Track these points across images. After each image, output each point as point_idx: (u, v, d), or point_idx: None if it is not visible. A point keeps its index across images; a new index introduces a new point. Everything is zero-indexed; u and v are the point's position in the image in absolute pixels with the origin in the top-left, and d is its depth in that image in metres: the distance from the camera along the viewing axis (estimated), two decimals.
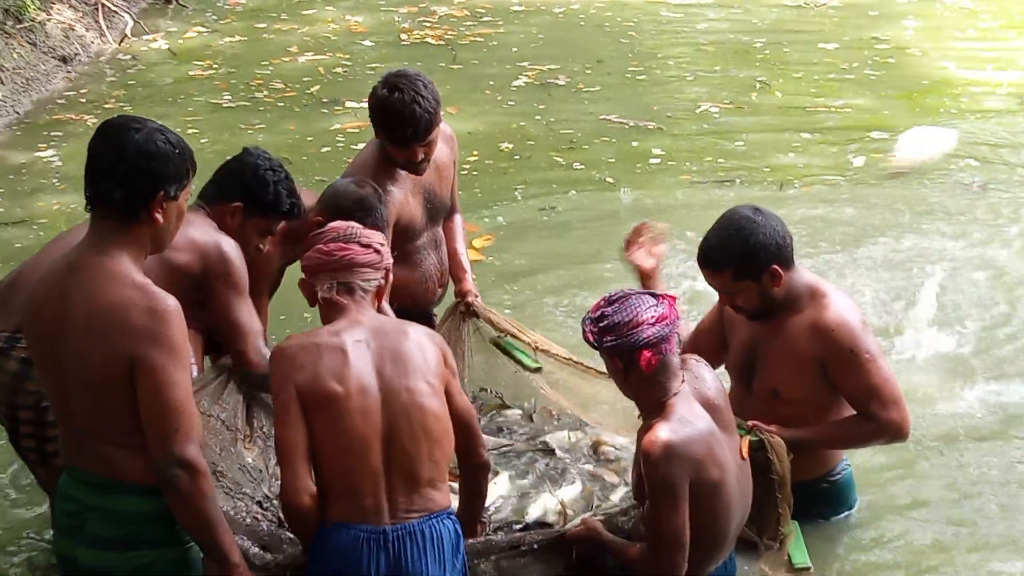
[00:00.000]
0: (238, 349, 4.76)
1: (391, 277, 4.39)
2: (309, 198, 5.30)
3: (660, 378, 4.32)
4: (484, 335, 5.73)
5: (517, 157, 9.50)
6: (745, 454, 4.49)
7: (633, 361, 4.30)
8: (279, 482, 4.25)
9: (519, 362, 5.64)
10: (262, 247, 5.00)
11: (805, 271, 4.91)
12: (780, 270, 4.73)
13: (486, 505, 4.71)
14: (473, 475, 4.41)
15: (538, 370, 5.60)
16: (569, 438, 5.41)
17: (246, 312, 4.74)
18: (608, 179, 9.12)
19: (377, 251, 4.30)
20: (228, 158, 5.01)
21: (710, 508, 4.30)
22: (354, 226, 4.36)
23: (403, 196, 5.36)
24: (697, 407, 4.35)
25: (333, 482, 4.10)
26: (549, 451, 5.34)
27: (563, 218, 8.48)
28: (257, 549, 4.38)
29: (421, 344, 4.23)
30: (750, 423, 4.69)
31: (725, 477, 4.32)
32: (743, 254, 4.70)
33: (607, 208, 8.60)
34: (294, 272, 4.62)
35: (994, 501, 5.41)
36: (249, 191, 4.85)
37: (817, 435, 4.85)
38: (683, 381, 4.37)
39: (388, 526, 4.08)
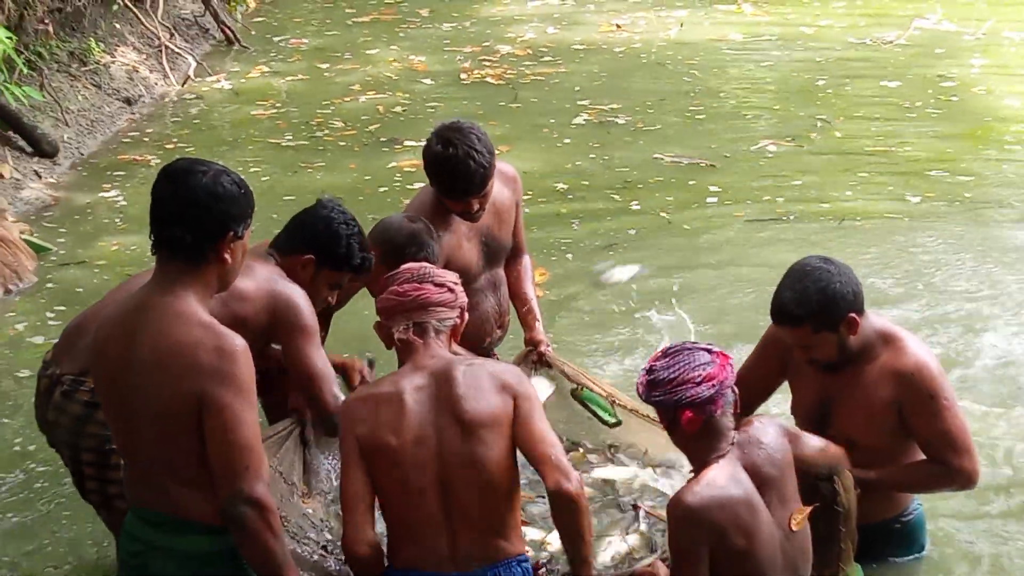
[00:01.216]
0: (315, 395, 4.74)
1: (467, 315, 4.38)
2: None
3: (704, 437, 4.27)
4: (557, 385, 5.65)
5: (571, 197, 9.49)
6: (796, 526, 4.36)
7: (676, 419, 4.27)
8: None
9: (599, 417, 5.57)
10: (331, 300, 5.02)
11: (875, 316, 4.85)
12: (857, 318, 4.69)
13: (551, 551, 4.68)
14: (559, 512, 4.12)
15: (617, 424, 5.55)
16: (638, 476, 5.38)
17: (320, 359, 4.74)
18: (664, 215, 9.14)
19: (451, 290, 4.30)
20: (303, 209, 5.02)
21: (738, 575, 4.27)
22: (427, 266, 4.37)
23: (457, 240, 5.37)
24: (739, 472, 4.27)
25: (397, 529, 4.14)
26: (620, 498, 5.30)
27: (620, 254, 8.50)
28: None
29: (476, 384, 4.16)
30: None
31: (755, 549, 4.21)
32: (821, 305, 4.63)
33: (662, 244, 8.65)
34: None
35: None
36: (322, 244, 4.86)
37: (887, 476, 4.80)
38: (733, 443, 4.30)
39: (452, 573, 4.08)
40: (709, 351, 4.32)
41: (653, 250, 8.55)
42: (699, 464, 4.30)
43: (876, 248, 8.43)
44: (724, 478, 4.24)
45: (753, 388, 4.85)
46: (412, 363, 4.23)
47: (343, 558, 4.46)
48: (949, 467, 4.73)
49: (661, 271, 8.18)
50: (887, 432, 4.77)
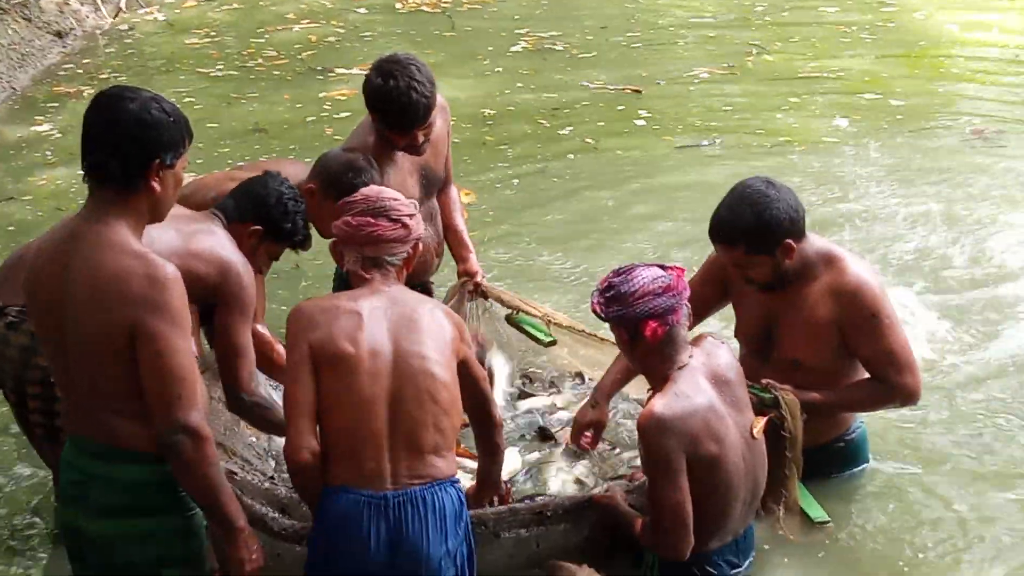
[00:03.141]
0: (231, 369, 4.64)
1: (420, 247, 4.36)
2: (298, 170, 5.32)
3: (666, 350, 4.33)
4: (493, 315, 5.71)
5: (498, 124, 9.46)
6: (757, 433, 4.45)
7: (638, 332, 4.31)
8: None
9: (534, 338, 5.64)
10: (264, 270, 5.03)
11: (817, 238, 4.86)
12: (793, 243, 4.68)
13: (505, 479, 4.71)
14: (488, 434, 4.42)
15: (552, 343, 5.61)
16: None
17: (247, 337, 4.67)
18: (589, 140, 9.16)
19: (405, 226, 4.27)
20: (253, 178, 4.98)
21: (710, 483, 4.30)
22: (385, 196, 4.31)
23: (401, 176, 5.33)
24: (702, 381, 4.34)
25: (337, 444, 4.09)
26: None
27: (552, 181, 8.52)
28: (275, 513, 4.40)
29: (437, 317, 4.23)
30: (764, 381, 4.68)
31: (725, 453, 4.31)
32: (757, 229, 4.64)
33: (592, 170, 8.65)
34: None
35: (995, 435, 5.53)
36: (271, 218, 4.87)
37: (831, 399, 4.82)
38: (691, 355, 4.36)
39: (390, 491, 4.06)
40: (662, 267, 4.37)
41: (583, 175, 8.56)
42: (660, 378, 4.35)
43: (806, 170, 8.45)
44: (690, 387, 4.30)
45: (696, 309, 4.83)
46: (369, 287, 4.23)
47: (292, 485, 4.44)
48: (892, 384, 4.77)
49: (589, 198, 8.21)
50: (830, 351, 4.79)
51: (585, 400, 5.10)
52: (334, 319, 4.13)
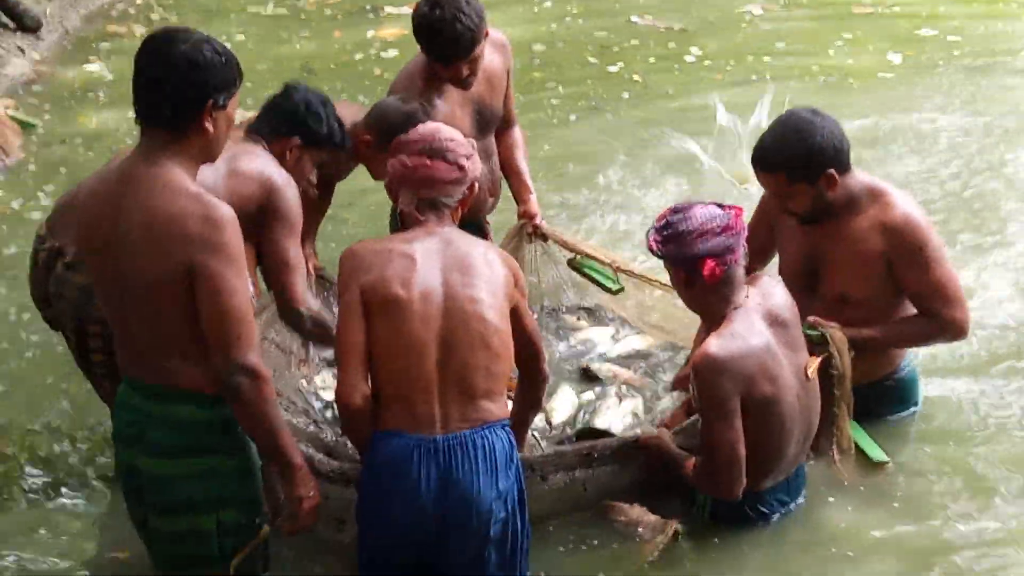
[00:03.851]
0: (284, 284, 4.72)
1: (476, 188, 4.32)
2: (352, 112, 5.35)
3: (723, 290, 4.32)
4: (552, 258, 5.67)
5: (548, 62, 9.36)
6: (811, 374, 4.45)
7: (696, 271, 4.30)
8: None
9: (600, 284, 5.57)
10: (312, 181, 5.06)
11: (862, 173, 4.82)
12: (836, 174, 4.65)
13: (564, 419, 4.77)
14: (533, 387, 4.41)
15: (620, 291, 5.53)
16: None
17: (296, 251, 4.73)
18: (637, 78, 9.05)
19: (462, 168, 4.21)
20: (274, 94, 5.01)
21: (765, 424, 4.32)
22: (442, 137, 4.25)
23: (450, 109, 5.30)
24: (758, 322, 4.34)
25: (388, 387, 4.08)
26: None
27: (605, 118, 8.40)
28: (322, 456, 4.43)
29: (491, 261, 4.20)
30: (811, 319, 4.66)
31: (780, 394, 4.32)
32: (798, 156, 4.61)
33: (642, 108, 8.53)
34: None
35: None
36: (306, 126, 4.91)
37: (880, 333, 4.80)
38: (747, 296, 4.36)
39: (440, 436, 4.05)
40: (720, 205, 4.35)
41: (633, 113, 8.45)
42: (717, 318, 4.35)
43: (858, 105, 8.28)
44: (746, 327, 4.31)
45: (753, 251, 4.84)
46: (423, 229, 4.19)
47: (339, 430, 4.53)
48: (940, 318, 4.74)
49: (640, 137, 8.10)
50: (877, 286, 4.77)
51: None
52: (387, 262, 4.11)
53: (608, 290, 5.53)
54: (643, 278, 5.48)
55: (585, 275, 5.59)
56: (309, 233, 5.40)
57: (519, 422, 4.40)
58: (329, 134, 4.95)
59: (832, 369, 4.63)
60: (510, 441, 4.16)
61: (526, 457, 4.41)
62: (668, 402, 5.04)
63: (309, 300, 4.74)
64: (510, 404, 4.36)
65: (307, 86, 5.04)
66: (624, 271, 5.53)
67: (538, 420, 4.86)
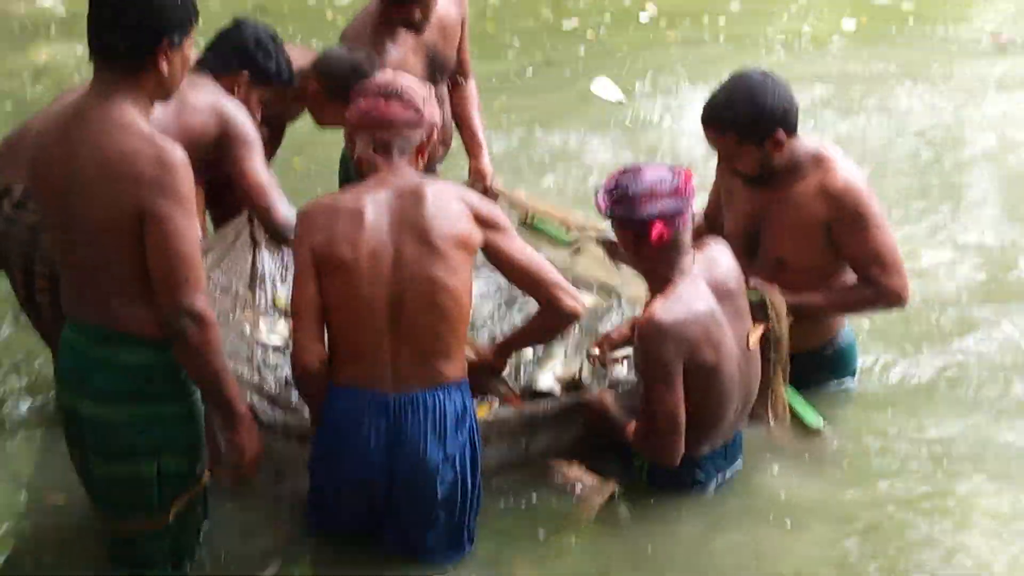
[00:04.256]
0: (262, 204, 4.79)
1: (436, 133, 4.24)
2: (302, 56, 5.32)
3: (670, 254, 4.29)
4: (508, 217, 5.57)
5: (502, 15, 9.36)
6: (753, 344, 4.45)
7: (644, 233, 4.26)
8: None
9: (555, 239, 5.52)
10: (257, 118, 4.98)
11: (808, 138, 4.80)
12: (783, 136, 4.63)
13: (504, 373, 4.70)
14: (545, 315, 4.30)
15: (575, 246, 5.49)
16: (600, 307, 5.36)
17: (265, 171, 4.77)
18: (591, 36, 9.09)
19: (418, 110, 4.16)
20: (224, 28, 5.01)
21: (705, 390, 4.31)
22: (398, 81, 4.20)
23: (402, 55, 5.29)
24: (703, 288, 4.32)
25: (341, 347, 4.09)
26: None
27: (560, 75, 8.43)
28: (265, 405, 4.40)
29: (445, 205, 4.10)
30: (752, 281, 4.64)
31: (722, 361, 4.31)
32: (747, 115, 4.58)
33: (597, 65, 8.55)
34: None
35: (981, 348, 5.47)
36: (255, 61, 4.94)
37: (819, 299, 4.80)
38: (694, 262, 4.33)
39: (391, 394, 4.06)
40: (669, 168, 4.32)
41: (589, 70, 8.47)
42: (662, 282, 4.31)
43: (807, 70, 8.37)
44: (691, 293, 4.28)
45: (710, 216, 4.90)
46: (376, 178, 4.14)
47: (282, 379, 4.52)
48: (879, 286, 4.73)
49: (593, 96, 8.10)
50: (817, 252, 4.76)
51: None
52: (335, 221, 4.06)
53: (561, 243, 5.48)
54: (595, 231, 5.39)
55: (539, 232, 5.54)
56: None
57: (514, 338, 4.43)
58: (277, 71, 4.97)
59: (769, 333, 4.62)
60: (463, 403, 4.15)
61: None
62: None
63: (290, 215, 4.71)
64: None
65: (256, 22, 5.05)
66: (577, 227, 5.50)
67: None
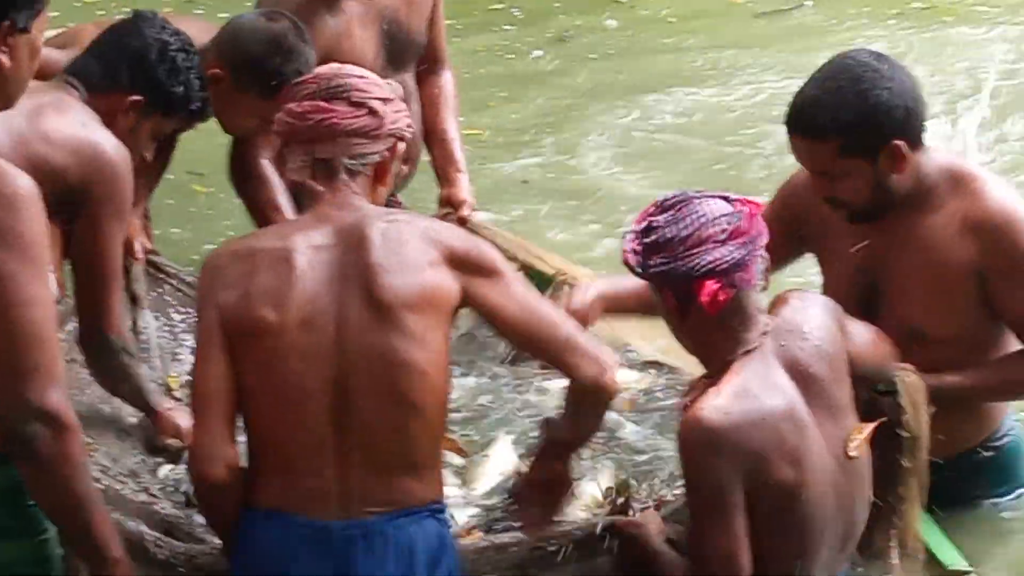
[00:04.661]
0: (103, 300, 4.57)
1: (400, 148, 4.04)
2: (200, 31, 5.10)
3: (729, 323, 3.97)
4: None
5: None
6: (855, 450, 4.12)
7: (690, 296, 3.95)
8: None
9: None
10: (148, 155, 4.78)
11: (939, 151, 4.55)
12: (905, 148, 4.34)
13: (478, 489, 4.61)
14: (588, 400, 4.16)
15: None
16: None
17: (119, 256, 4.55)
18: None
19: (374, 112, 3.97)
20: (117, 25, 4.78)
21: (782, 523, 3.99)
22: (345, 73, 4.04)
23: (344, 27, 5.20)
24: (777, 374, 3.98)
25: (263, 452, 3.85)
26: None
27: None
28: (157, 536, 4.20)
29: (400, 251, 3.93)
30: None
31: (808, 480, 3.97)
32: (857, 115, 4.32)
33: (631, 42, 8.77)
34: None
35: None
36: (155, 81, 4.66)
37: (971, 380, 4.52)
38: (765, 333, 4.01)
39: (335, 521, 3.82)
40: (726, 199, 3.99)
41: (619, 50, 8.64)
42: (718, 364, 3.99)
43: (942, 54, 8.45)
44: (759, 383, 3.96)
45: None
46: (313, 212, 3.94)
47: (183, 499, 4.38)
48: None
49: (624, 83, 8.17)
50: (965, 313, 4.49)
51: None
52: (252, 273, 3.83)
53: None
54: None
55: None
56: (139, 199, 5.09)
57: (554, 446, 4.23)
58: (185, 97, 4.68)
59: (901, 431, 4.32)
60: (440, 535, 3.92)
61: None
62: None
63: (124, 329, 4.56)
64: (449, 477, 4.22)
65: (165, 20, 4.75)
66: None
67: (455, 488, 4.66)
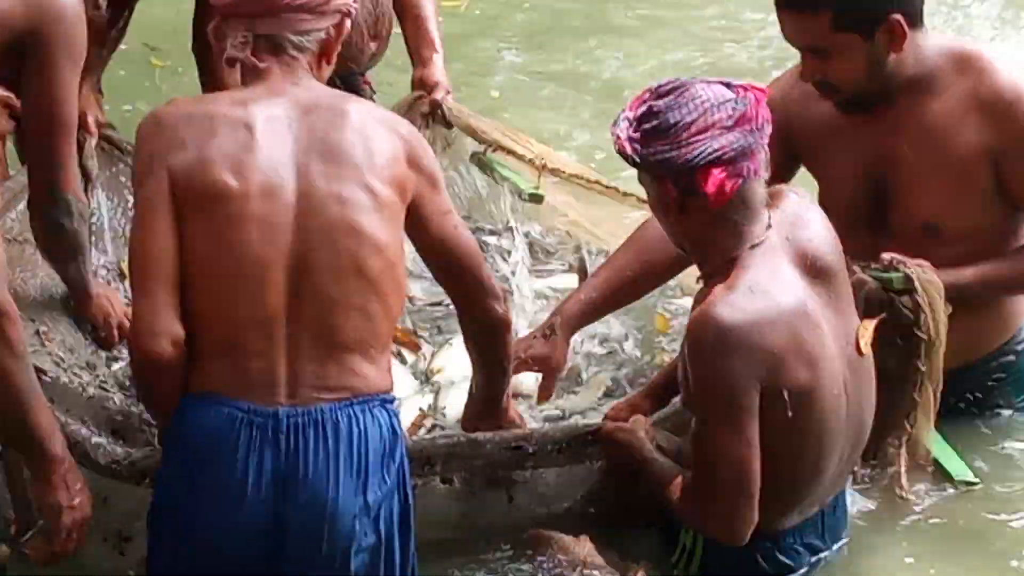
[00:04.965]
0: (58, 154, 4.44)
1: (347, 25, 3.89)
2: None
3: (734, 217, 3.82)
4: (460, 153, 5.32)
5: None
6: (865, 347, 3.94)
7: (694, 186, 3.77)
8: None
9: (515, 186, 5.30)
10: (102, 4, 4.71)
11: (938, 33, 4.40)
12: (904, 25, 4.17)
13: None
14: (485, 338, 4.09)
15: (538, 199, 5.27)
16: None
17: (75, 106, 4.42)
18: None
19: None
20: None
21: (795, 429, 3.83)
22: None
23: None
24: (786, 269, 3.84)
25: (206, 329, 3.68)
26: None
27: None
28: (103, 439, 4.07)
29: (370, 132, 3.79)
30: (886, 256, 4.21)
31: (821, 383, 3.82)
32: None
33: None
34: None
35: None
36: None
37: (991, 274, 4.37)
38: (770, 227, 3.83)
39: (283, 408, 3.65)
40: (727, 84, 3.82)
41: None
42: (723, 261, 3.85)
43: None
44: (770, 279, 3.82)
45: None
46: (264, 86, 3.82)
47: (135, 392, 4.18)
48: None
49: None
50: (980, 202, 4.34)
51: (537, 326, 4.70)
52: (210, 134, 3.68)
53: (522, 196, 5.33)
54: (577, 178, 5.25)
55: (493, 174, 5.33)
56: (90, 70, 4.95)
57: (482, 398, 4.18)
58: None
59: (918, 331, 4.19)
60: (392, 426, 3.76)
61: (421, 445, 4.02)
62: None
63: (80, 189, 4.43)
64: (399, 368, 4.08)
65: None
66: (552, 170, 5.26)
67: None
